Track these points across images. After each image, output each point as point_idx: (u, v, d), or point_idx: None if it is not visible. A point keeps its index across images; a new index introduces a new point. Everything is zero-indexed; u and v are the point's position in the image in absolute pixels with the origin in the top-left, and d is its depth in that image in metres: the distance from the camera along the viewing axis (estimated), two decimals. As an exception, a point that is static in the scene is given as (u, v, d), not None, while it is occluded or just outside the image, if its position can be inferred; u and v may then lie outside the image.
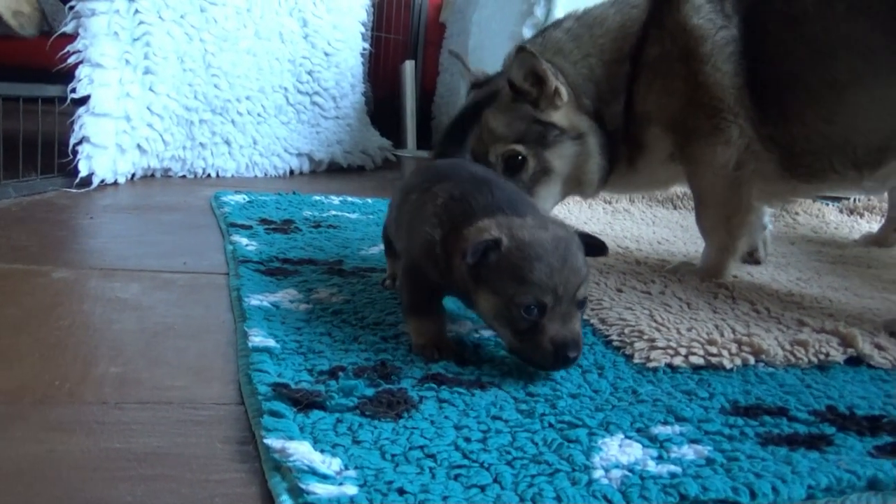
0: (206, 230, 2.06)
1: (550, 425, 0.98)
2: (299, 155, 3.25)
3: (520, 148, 1.67)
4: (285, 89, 3.20)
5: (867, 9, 1.51)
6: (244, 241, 1.87)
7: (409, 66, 3.89)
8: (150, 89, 2.72)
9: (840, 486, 0.87)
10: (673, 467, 0.89)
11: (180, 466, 0.87)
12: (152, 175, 2.85)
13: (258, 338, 1.20)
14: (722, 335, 1.31)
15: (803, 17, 1.58)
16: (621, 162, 1.77)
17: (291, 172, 3.22)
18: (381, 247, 1.61)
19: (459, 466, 0.86)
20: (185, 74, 2.84)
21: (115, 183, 2.62)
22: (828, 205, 2.85)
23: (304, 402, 0.98)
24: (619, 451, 0.92)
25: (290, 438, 0.88)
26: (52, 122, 2.42)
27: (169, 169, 2.87)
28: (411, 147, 3.71)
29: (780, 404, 1.09)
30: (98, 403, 1.01)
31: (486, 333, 1.32)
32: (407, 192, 1.35)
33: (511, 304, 1.09)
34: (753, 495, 0.84)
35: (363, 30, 3.55)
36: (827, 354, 1.28)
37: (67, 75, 2.50)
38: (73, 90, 2.48)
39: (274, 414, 0.94)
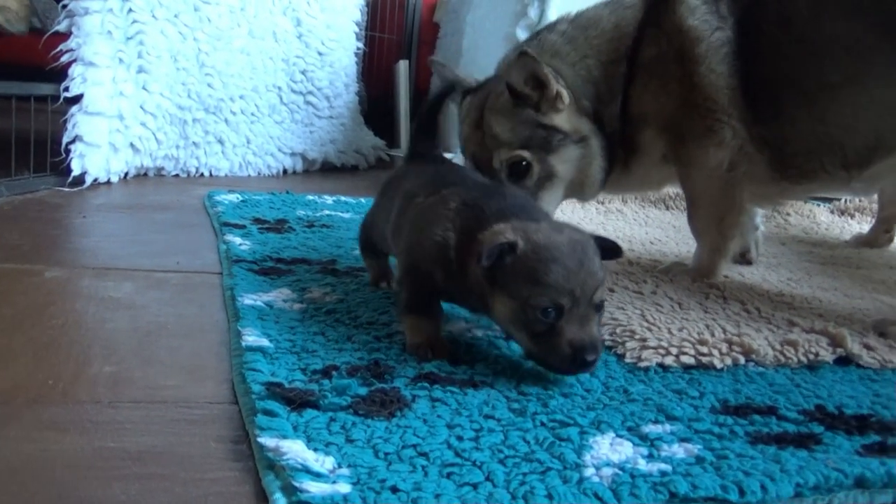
0: (199, 229, 2.06)
1: (542, 424, 0.99)
2: (293, 154, 3.25)
3: (525, 154, 1.66)
4: (279, 88, 3.20)
5: (859, 10, 1.53)
6: (238, 240, 1.87)
7: (402, 66, 3.90)
8: (144, 88, 2.72)
9: (828, 484, 0.88)
10: (663, 465, 0.90)
11: (174, 465, 0.87)
12: (145, 174, 2.84)
13: (252, 337, 1.21)
14: (713, 335, 1.32)
15: (797, 17, 1.59)
16: (617, 164, 1.78)
17: (285, 172, 3.23)
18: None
19: (452, 465, 0.87)
20: (179, 73, 2.83)
21: (108, 182, 2.62)
22: (819, 206, 2.87)
23: (298, 401, 0.98)
24: (609, 450, 0.93)
25: (284, 437, 0.89)
26: (45, 121, 2.42)
27: (162, 168, 2.87)
28: (405, 147, 3.72)
29: (769, 403, 1.10)
30: (91, 402, 1.01)
31: (479, 333, 1.32)
32: (410, 197, 1.33)
33: (527, 306, 1.08)
34: (742, 493, 0.85)
35: (357, 29, 3.55)
36: (816, 354, 1.29)
37: (60, 74, 2.50)
38: (67, 89, 2.48)
39: (267, 413, 0.95)
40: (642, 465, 0.90)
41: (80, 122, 2.49)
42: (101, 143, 2.55)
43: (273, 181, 3.03)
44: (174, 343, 1.24)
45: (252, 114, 3.09)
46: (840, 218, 2.77)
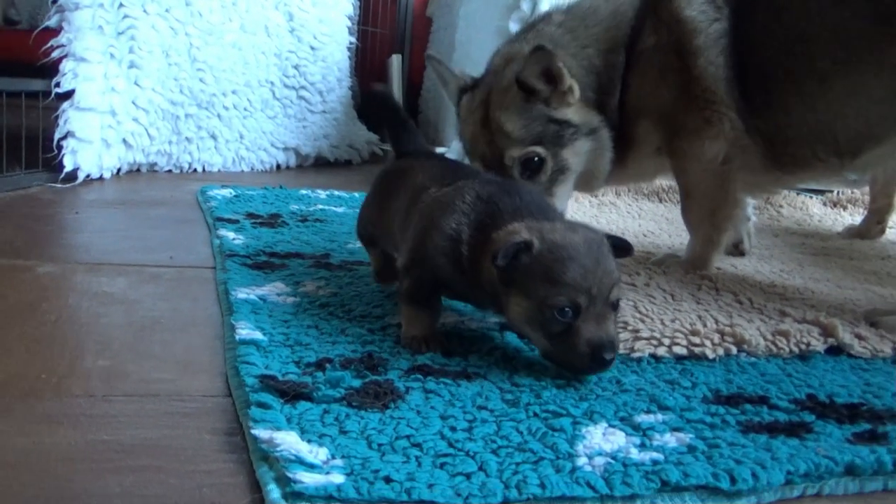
0: (192, 224, 2.06)
1: (535, 415, 0.99)
2: (286, 149, 3.25)
3: (539, 150, 1.64)
4: (271, 83, 3.19)
5: None
6: (231, 235, 1.87)
7: (395, 61, 3.89)
8: (136, 83, 2.71)
9: (818, 471, 0.89)
10: (655, 454, 0.90)
11: (168, 458, 0.87)
12: (138, 170, 2.84)
13: (245, 330, 1.21)
14: (705, 325, 1.33)
15: (788, 5, 1.60)
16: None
17: (278, 167, 3.22)
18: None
19: (445, 455, 0.87)
20: (171, 68, 2.83)
21: (101, 178, 2.61)
22: (811, 197, 2.88)
23: (292, 394, 0.98)
24: (602, 439, 0.93)
25: (278, 429, 0.89)
26: (37, 117, 2.41)
27: (155, 163, 2.87)
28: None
29: (761, 393, 1.11)
30: (85, 396, 1.01)
31: (474, 325, 1.33)
32: (421, 189, 1.30)
33: (544, 306, 1.07)
34: (734, 481, 0.85)
35: (349, 24, 3.54)
36: (808, 344, 1.30)
37: (52, 69, 2.49)
38: (58, 84, 2.47)
39: (261, 405, 0.95)
40: (634, 454, 0.90)
41: (71, 118, 2.48)
42: (93, 139, 2.54)
43: (266, 176, 3.03)
44: (168, 337, 1.24)
45: (245, 109, 3.08)
46: (832, 210, 2.78)
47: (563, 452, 0.90)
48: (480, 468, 0.85)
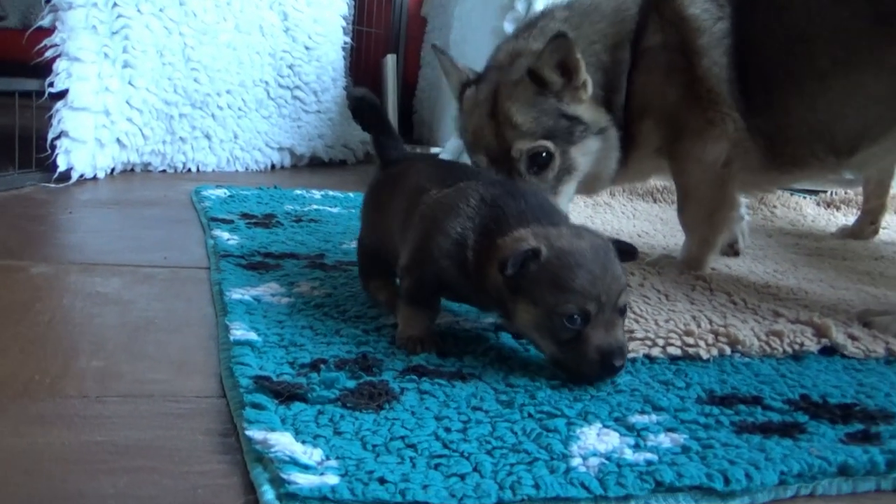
0: (186, 225, 2.05)
1: (530, 415, 0.99)
2: (280, 149, 3.24)
3: (549, 144, 1.59)
4: (266, 83, 3.18)
5: None
6: (225, 235, 1.87)
7: (390, 61, 3.89)
8: (130, 83, 2.70)
9: (812, 472, 0.89)
10: (649, 455, 0.90)
11: (162, 458, 0.87)
12: (132, 170, 2.83)
13: (240, 331, 1.21)
14: (699, 326, 1.33)
15: (789, 5, 1.60)
16: None
17: (273, 167, 3.21)
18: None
19: (440, 456, 0.87)
20: (165, 68, 2.82)
21: (95, 178, 2.60)
22: (805, 198, 2.89)
23: (286, 395, 0.98)
24: (596, 440, 0.94)
25: (272, 430, 0.89)
26: (30, 117, 2.40)
27: (149, 163, 2.86)
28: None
29: (754, 393, 1.11)
30: (79, 397, 1.01)
31: (468, 326, 1.33)
32: (420, 191, 1.28)
33: (553, 314, 1.07)
34: (727, 482, 0.86)
35: (344, 24, 3.54)
36: (801, 344, 1.30)
37: (45, 69, 2.48)
38: (51, 84, 2.46)
39: (255, 406, 0.95)
40: (629, 454, 0.91)
41: (65, 118, 2.47)
42: (86, 139, 2.53)
43: (261, 176, 3.02)
44: (162, 337, 1.24)
45: (239, 109, 3.08)
46: (826, 210, 2.79)
47: (557, 453, 0.90)
48: (475, 469, 0.85)
